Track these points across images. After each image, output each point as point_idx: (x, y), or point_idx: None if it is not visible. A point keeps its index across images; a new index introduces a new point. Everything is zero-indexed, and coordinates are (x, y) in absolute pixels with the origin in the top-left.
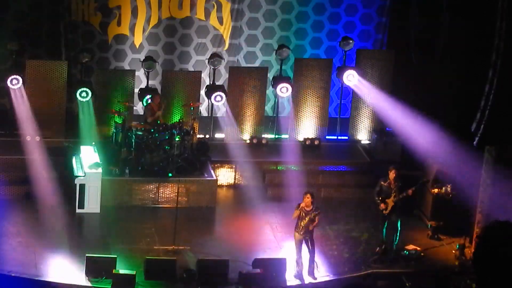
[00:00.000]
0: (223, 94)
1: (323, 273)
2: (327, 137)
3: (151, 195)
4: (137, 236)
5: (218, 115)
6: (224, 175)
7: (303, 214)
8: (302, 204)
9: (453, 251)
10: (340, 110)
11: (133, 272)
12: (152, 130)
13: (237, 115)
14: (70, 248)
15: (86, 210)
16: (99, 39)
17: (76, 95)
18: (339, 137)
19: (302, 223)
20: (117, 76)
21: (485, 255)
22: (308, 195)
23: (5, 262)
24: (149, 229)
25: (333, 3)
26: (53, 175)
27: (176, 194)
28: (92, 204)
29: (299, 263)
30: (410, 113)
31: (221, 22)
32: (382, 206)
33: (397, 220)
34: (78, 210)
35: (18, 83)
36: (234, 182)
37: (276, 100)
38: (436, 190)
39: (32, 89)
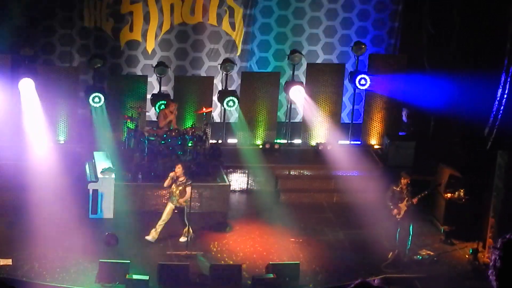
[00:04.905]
0: (235, 100)
1: (334, 279)
2: (339, 142)
3: (163, 200)
4: (150, 241)
5: (230, 120)
6: (237, 180)
7: (175, 184)
8: (173, 174)
9: (466, 256)
10: (352, 116)
11: (146, 278)
12: (164, 136)
13: (250, 121)
14: (83, 253)
15: (99, 215)
16: (111, 45)
17: (89, 100)
18: (352, 142)
19: (174, 193)
20: (130, 81)
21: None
22: (179, 165)
23: (18, 267)
24: (162, 234)
25: (345, 8)
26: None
27: (189, 199)
28: (105, 209)
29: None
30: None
31: (233, 28)
32: (395, 211)
33: (409, 225)
34: (91, 216)
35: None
36: (247, 187)
37: (289, 106)
38: (449, 195)
39: (45, 94)
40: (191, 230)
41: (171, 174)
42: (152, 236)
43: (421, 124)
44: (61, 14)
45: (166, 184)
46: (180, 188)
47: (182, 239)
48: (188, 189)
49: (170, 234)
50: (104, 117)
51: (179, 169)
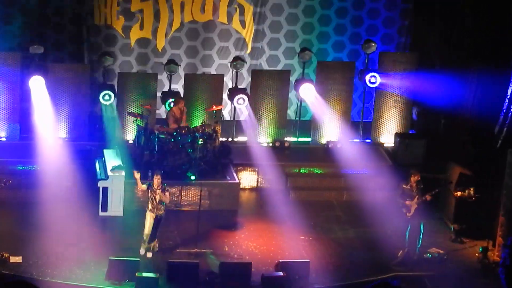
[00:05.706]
0: (245, 97)
1: (344, 277)
2: (350, 140)
3: (173, 198)
4: (159, 239)
5: (240, 118)
6: (247, 178)
7: (153, 193)
8: (153, 184)
9: (476, 254)
10: (362, 114)
11: (156, 275)
12: (174, 133)
13: (260, 118)
14: (93, 251)
15: (109, 213)
16: (121, 42)
17: (99, 98)
18: (363, 141)
19: (154, 202)
20: (140, 79)
21: None
22: (158, 176)
23: (28, 265)
24: (172, 232)
25: (355, 6)
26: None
27: (198, 197)
28: (115, 207)
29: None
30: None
31: (243, 26)
32: (405, 209)
33: (419, 223)
34: (101, 213)
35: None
36: (257, 185)
37: (299, 104)
38: (459, 193)
39: (55, 92)
40: (157, 245)
41: (155, 183)
42: (144, 249)
43: (431, 122)
44: (71, 11)
45: (141, 189)
46: (158, 196)
47: (149, 254)
48: (167, 193)
49: (179, 232)
50: (114, 114)
51: (158, 180)
